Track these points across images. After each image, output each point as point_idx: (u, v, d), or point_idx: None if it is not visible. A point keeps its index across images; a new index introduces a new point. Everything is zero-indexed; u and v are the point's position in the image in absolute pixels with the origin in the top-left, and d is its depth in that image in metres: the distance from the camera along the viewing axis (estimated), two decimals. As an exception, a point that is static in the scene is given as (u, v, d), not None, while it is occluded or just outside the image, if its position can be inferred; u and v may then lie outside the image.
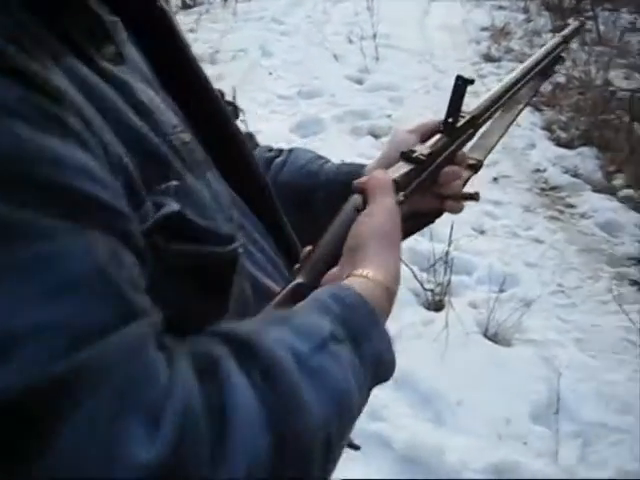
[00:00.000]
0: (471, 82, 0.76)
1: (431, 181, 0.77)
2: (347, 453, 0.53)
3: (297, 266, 0.63)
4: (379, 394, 2.18)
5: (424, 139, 0.82)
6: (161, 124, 0.54)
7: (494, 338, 2.56)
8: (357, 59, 5.54)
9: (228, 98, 0.80)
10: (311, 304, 0.53)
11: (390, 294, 0.59)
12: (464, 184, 0.81)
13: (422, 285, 2.80)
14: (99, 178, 0.42)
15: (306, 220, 0.88)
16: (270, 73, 5.39)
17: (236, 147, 0.73)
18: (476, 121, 0.83)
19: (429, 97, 4.96)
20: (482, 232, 3.30)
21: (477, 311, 2.72)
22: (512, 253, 3.17)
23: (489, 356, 2.46)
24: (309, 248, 0.65)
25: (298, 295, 0.58)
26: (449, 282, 2.78)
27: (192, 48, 0.70)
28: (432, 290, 2.81)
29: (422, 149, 0.75)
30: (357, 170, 0.88)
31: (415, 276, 2.77)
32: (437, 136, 0.79)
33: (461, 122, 0.80)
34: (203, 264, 0.53)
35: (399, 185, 0.68)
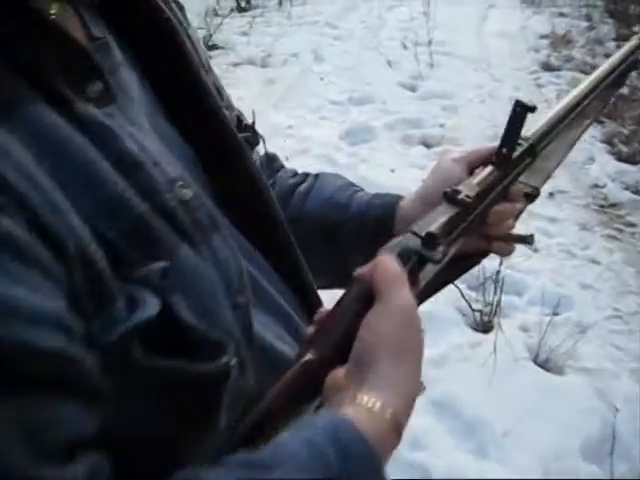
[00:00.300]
0: (532, 109, 0.66)
1: (479, 222, 0.66)
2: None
3: (309, 335, 0.55)
4: (420, 420, 2.07)
5: (472, 169, 0.72)
6: (153, 181, 0.46)
7: (545, 365, 2.43)
8: (411, 65, 5.42)
9: (248, 121, 0.72)
10: (305, 445, 0.42)
11: (399, 426, 0.47)
12: (517, 218, 0.71)
13: (470, 305, 2.67)
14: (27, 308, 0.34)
15: (332, 253, 0.80)
16: (322, 78, 5.32)
17: (250, 186, 0.65)
18: (535, 149, 0.72)
19: (484, 106, 4.82)
20: (536, 250, 3.15)
21: (527, 335, 2.59)
22: (566, 274, 3.02)
23: (539, 384, 2.33)
24: (322, 313, 0.56)
25: (309, 374, 0.49)
26: (499, 302, 2.66)
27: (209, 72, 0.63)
28: (480, 310, 2.69)
29: (469, 188, 0.65)
30: (392, 204, 0.78)
31: (463, 295, 2.65)
32: (488, 169, 0.69)
33: (517, 152, 0.70)
34: (185, 382, 0.44)
35: (439, 234, 0.58)
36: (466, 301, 2.66)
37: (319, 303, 0.71)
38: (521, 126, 0.67)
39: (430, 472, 1.97)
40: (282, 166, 0.89)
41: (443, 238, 0.58)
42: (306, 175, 0.88)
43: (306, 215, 0.81)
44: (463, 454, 2.07)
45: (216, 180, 0.58)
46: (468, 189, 0.64)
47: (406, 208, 0.78)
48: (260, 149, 0.86)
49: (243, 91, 4.97)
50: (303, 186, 0.85)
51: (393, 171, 3.88)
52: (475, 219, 0.65)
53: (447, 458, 2.01)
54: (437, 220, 0.60)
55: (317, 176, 0.87)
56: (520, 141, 0.70)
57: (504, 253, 0.72)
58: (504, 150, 0.68)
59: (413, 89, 5.15)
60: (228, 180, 0.60)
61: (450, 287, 2.51)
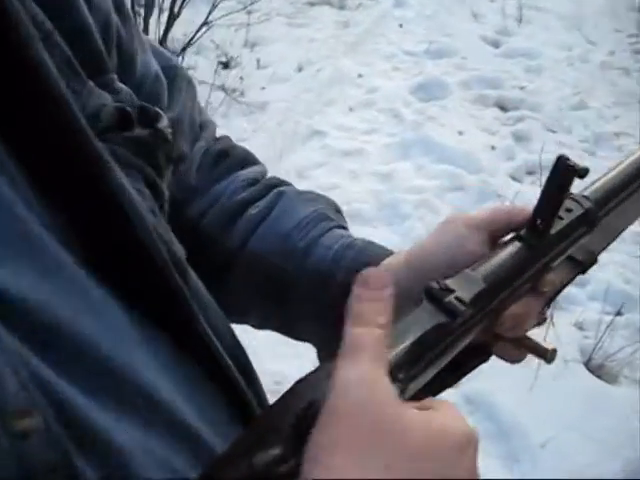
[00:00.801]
0: (581, 173, 0.47)
1: (479, 331, 0.47)
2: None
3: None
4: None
5: (496, 238, 0.53)
6: None
7: (597, 371, 2.20)
8: (497, 19, 5.03)
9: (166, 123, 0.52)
10: None
11: None
12: (547, 308, 0.52)
13: (523, 294, 2.44)
14: None
15: (277, 314, 0.61)
16: (400, 25, 5.00)
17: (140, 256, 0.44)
18: (592, 217, 0.52)
19: (572, 70, 4.43)
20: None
21: (583, 334, 2.35)
22: (636, 269, 2.73)
23: (588, 393, 2.11)
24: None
25: None
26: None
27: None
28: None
29: (469, 283, 0.44)
30: (369, 265, 0.56)
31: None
32: (510, 248, 0.49)
33: (558, 227, 0.49)
34: None
35: (397, 366, 0.38)
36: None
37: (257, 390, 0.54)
38: (564, 192, 0.48)
39: (451, 479, 1.80)
40: (239, 165, 0.68)
41: (405, 371, 0.39)
42: (267, 189, 0.65)
43: (250, 254, 0.62)
44: (492, 461, 1.89)
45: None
46: (467, 286, 0.44)
47: (390, 270, 0.57)
48: (207, 140, 0.67)
49: (315, 32, 4.73)
50: (256, 209, 0.63)
51: (461, 133, 3.61)
52: (469, 333, 0.45)
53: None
54: (401, 340, 0.40)
55: (280, 195, 0.65)
56: (568, 205, 0.50)
57: (511, 360, 0.52)
58: (538, 222, 0.48)
59: (496, 45, 4.79)
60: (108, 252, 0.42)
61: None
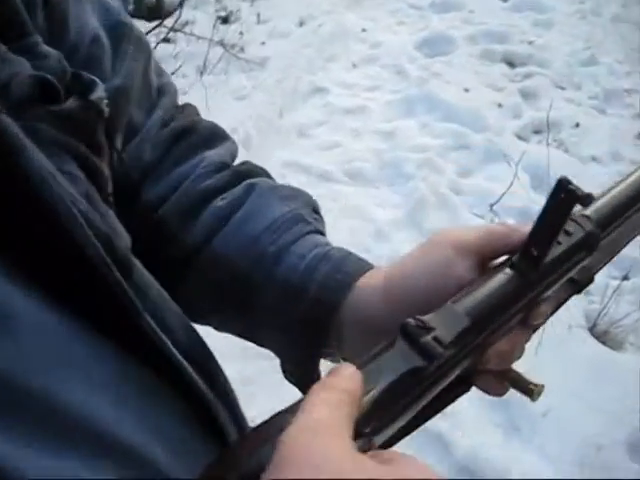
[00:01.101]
0: (584, 201, 0.42)
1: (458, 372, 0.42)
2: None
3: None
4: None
5: (486, 262, 0.47)
6: None
7: (602, 337, 2.14)
8: (506, -30, 4.86)
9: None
10: None
11: None
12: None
13: (527, 257, 2.38)
14: None
15: (241, 322, 0.54)
16: (406, -23, 4.83)
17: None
18: (592, 241, 0.46)
19: (583, 24, 4.29)
20: (614, 199, 2.79)
21: (588, 299, 2.29)
22: (646, 232, 2.66)
23: (592, 359, 2.05)
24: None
25: None
26: (561, 257, 2.35)
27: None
28: (538, 264, 2.39)
29: (448, 324, 0.39)
30: (345, 282, 0.50)
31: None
32: (502, 275, 0.43)
33: (555, 254, 0.44)
34: None
35: (363, 422, 0.33)
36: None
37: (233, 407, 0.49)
38: (563, 219, 0.42)
39: (450, 447, 1.76)
40: (205, 143, 0.59)
41: (371, 424, 0.34)
42: (237, 178, 0.57)
43: (213, 254, 0.54)
44: (492, 430, 1.84)
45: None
46: (448, 324, 0.39)
47: (365, 295, 0.50)
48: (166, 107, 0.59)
49: (317, -14, 4.58)
50: (223, 202, 0.55)
51: (467, 90, 3.50)
52: (447, 376, 0.39)
53: (473, 433, 1.80)
54: (370, 387, 0.35)
55: (251, 189, 0.56)
56: (567, 227, 0.45)
57: (493, 394, 0.46)
58: (533, 250, 0.43)
59: (505, -3, 4.63)
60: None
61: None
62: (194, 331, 0.49)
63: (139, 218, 0.54)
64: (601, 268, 0.49)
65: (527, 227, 0.45)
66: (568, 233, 0.45)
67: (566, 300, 0.48)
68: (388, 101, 3.44)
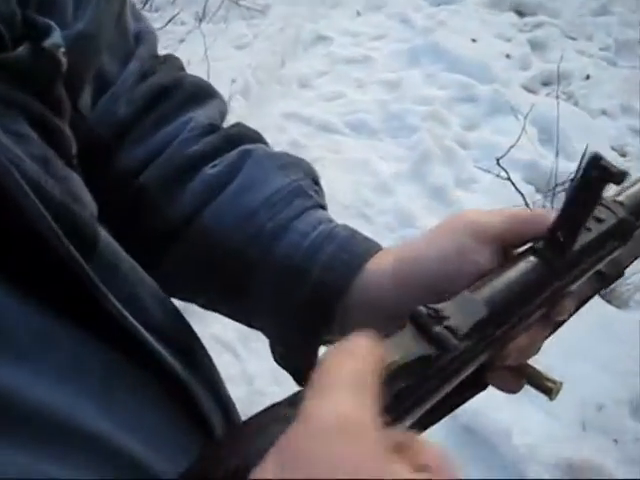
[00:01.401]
0: (617, 179, 0.36)
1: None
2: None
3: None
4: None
5: (510, 248, 0.42)
6: None
7: (607, 295, 2.10)
8: None
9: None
10: None
11: None
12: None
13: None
14: None
15: (231, 303, 0.49)
16: None
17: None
18: (628, 228, 0.42)
19: (595, -28, 4.14)
20: (623, 155, 2.72)
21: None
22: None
23: (597, 318, 2.01)
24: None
25: None
26: (568, 213, 2.30)
27: None
28: (545, 220, 2.34)
29: (464, 314, 0.35)
30: (354, 264, 0.46)
31: (525, 200, 2.30)
32: (524, 263, 0.39)
33: (584, 241, 0.40)
34: None
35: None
36: (529, 208, 2.31)
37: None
38: (594, 200, 0.37)
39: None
40: (190, 101, 0.53)
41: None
42: (229, 143, 0.51)
43: (202, 229, 0.49)
44: (494, 391, 1.82)
45: None
46: (464, 313, 0.35)
47: (374, 278, 0.46)
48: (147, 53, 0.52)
49: None
50: (214, 170, 0.49)
51: (474, 40, 3.40)
52: (462, 371, 0.35)
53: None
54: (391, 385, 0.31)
55: (246, 156, 0.50)
56: (597, 213, 0.41)
57: (508, 390, 0.43)
58: (560, 235, 0.38)
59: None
60: None
61: (513, 189, 2.12)
62: (172, 307, 0.45)
63: (114, 185, 0.48)
64: (632, 262, 0.45)
65: (551, 213, 0.41)
66: (599, 220, 0.41)
67: (592, 296, 0.44)
68: (393, 51, 3.34)
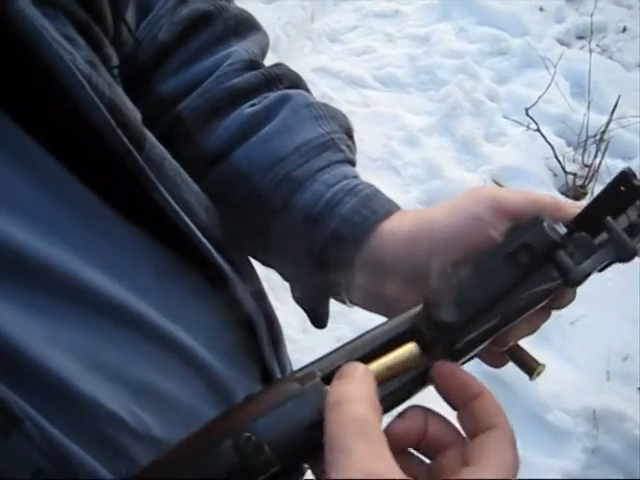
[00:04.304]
0: None
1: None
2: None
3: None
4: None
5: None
6: None
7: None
8: None
9: None
10: None
11: None
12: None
13: (562, 166, 2.30)
14: None
15: (250, 243, 0.50)
16: None
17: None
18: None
19: None
20: (656, 108, 2.66)
21: (624, 210, 2.22)
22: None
23: (624, 272, 2.00)
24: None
25: None
26: (599, 166, 2.27)
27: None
28: (575, 174, 2.32)
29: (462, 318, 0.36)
30: (369, 222, 0.46)
31: (555, 154, 2.27)
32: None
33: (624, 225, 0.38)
34: None
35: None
36: (558, 161, 2.29)
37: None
38: (618, 213, 0.37)
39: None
40: (231, 33, 0.53)
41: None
42: (268, 83, 0.51)
43: (232, 168, 0.49)
44: (518, 337, 1.83)
45: None
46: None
47: (388, 237, 0.46)
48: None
49: None
50: (252, 109, 0.50)
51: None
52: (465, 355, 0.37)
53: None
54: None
55: (285, 101, 0.50)
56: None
57: (493, 365, 0.43)
58: (584, 236, 0.37)
59: None
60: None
61: (543, 142, 2.09)
62: (215, 211, 0.46)
63: (151, 110, 0.49)
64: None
65: (576, 207, 0.40)
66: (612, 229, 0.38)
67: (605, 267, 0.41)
68: (423, 5, 3.29)
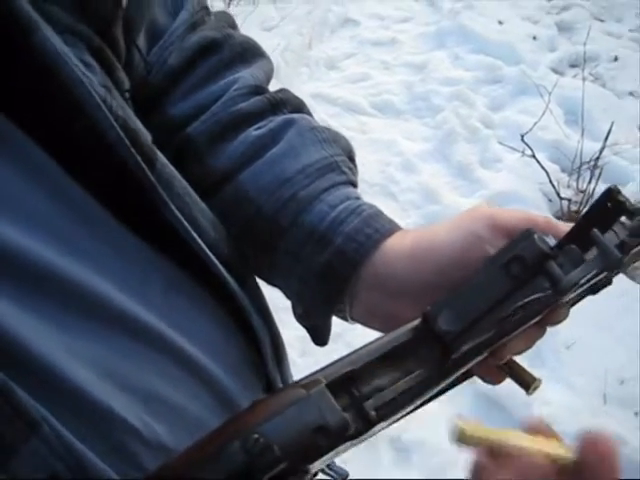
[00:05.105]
0: (633, 212, 0.39)
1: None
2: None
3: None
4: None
5: None
6: None
7: (631, 273, 2.11)
8: None
9: None
10: None
11: None
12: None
13: (557, 191, 2.33)
14: None
15: (255, 261, 0.52)
16: None
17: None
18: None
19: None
20: (649, 135, 2.71)
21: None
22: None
23: (620, 294, 2.02)
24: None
25: None
26: (593, 192, 2.30)
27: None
28: (570, 199, 2.35)
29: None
30: (369, 243, 0.48)
31: (550, 179, 2.31)
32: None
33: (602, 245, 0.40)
34: None
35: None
36: (553, 186, 2.32)
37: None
38: (605, 229, 0.39)
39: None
40: (237, 60, 0.55)
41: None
42: (273, 108, 0.53)
43: (239, 188, 0.51)
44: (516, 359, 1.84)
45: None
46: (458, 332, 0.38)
47: (391, 255, 0.48)
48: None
49: None
50: (259, 132, 0.51)
51: (501, 23, 3.39)
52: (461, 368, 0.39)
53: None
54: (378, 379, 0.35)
55: (289, 125, 0.52)
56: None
57: (489, 381, 0.44)
58: (572, 248, 0.40)
59: None
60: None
61: (538, 168, 2.12)
62: (225, 234, 0.48)
63: (161, 131, 0.50)
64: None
65: (567, 226, 0.42)
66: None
67: (581, 299, 0.45)
68: (419, 33, 3.36)
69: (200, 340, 0.41)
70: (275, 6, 3.61)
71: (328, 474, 0.49)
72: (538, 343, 1.60)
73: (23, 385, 0.29)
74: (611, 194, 0.39)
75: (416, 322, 0.38)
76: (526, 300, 0.38)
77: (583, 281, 0.39)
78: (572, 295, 0.42)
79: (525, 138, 2.31)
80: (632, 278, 2.10)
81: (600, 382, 1.79)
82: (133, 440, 0.35)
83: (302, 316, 0.53)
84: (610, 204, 0.39)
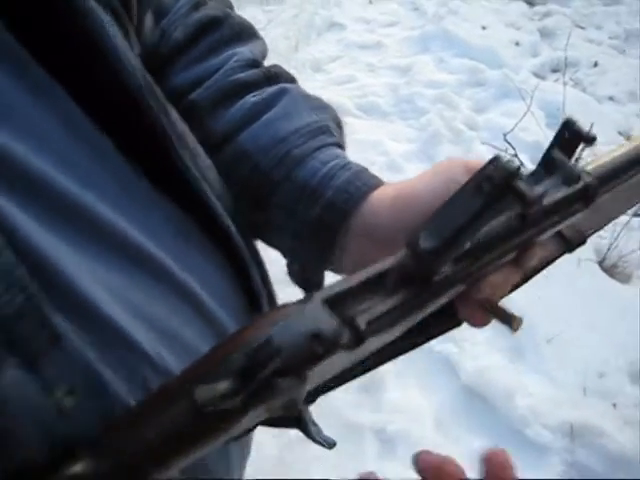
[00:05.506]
0: (589, 140, 0.42)
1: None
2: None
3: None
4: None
5: None
6: None
7: (611, 270, 2.16)
8: None
9: None
10: None
11: None
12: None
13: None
14: None
15: (250, 218, 0.55)
16: None
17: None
18: (591, 194, 0.46)
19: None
20: (628, 138, 2.77)
21: (598, 235, 2.30)
22: (659, 170, 2.65)
23: (600, 292, 2.08)
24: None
25: None
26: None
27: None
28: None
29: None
30: (357, 194, 0.50)
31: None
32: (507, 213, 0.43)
33: (554, 198, 0.44)
34: None
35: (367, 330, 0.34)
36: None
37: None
38: (570, 155, 0.43)
39: (456, 370, 1.81)
40: (235, 38, 0.59)
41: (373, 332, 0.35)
42: (268, 79, 0.57)
43: (237, 148, 0.55)
44: (498, 354, 1.88)
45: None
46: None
47: (375, 206, 0.51)
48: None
49: None
50: (255, 98, 0.56)
51: (484, 28, 3.45)
52: (444, 293, 0.40)
53: (479, 357, 1.84)
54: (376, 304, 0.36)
55: (283, 93, 0.56)
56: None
57: (474, 324, 0.46)
58: (537, 169, 0.44)
59: None
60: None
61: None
62: (226, 189, 0.51)
63: (168, 98, 0.53)
64: (595, 231, 0.50)
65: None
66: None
67: (557, 257, 0.48)
68: (404, 37, 3.40)
69: (207, 283, 0.43)
70: (262, 9, 3.65)
71: (318, 442, 0.52)
72: (520, 337, 1.66)
73: (44, 295, 0.30)
74: (568, 124, 0.42)
75: (401, 252, 0.39)
76: (499, 218, 0.40)
77: (550, 204, 0.42)
78: (547, 233, 0.45)
79: (507, 139, 2.36)
80: (611, 275, 2.15)
81: (580, 375, 1.83)
82: (145, 365, 0.35)
83: (296, 273, 0.56)
84: (568, 134, 0.42)
